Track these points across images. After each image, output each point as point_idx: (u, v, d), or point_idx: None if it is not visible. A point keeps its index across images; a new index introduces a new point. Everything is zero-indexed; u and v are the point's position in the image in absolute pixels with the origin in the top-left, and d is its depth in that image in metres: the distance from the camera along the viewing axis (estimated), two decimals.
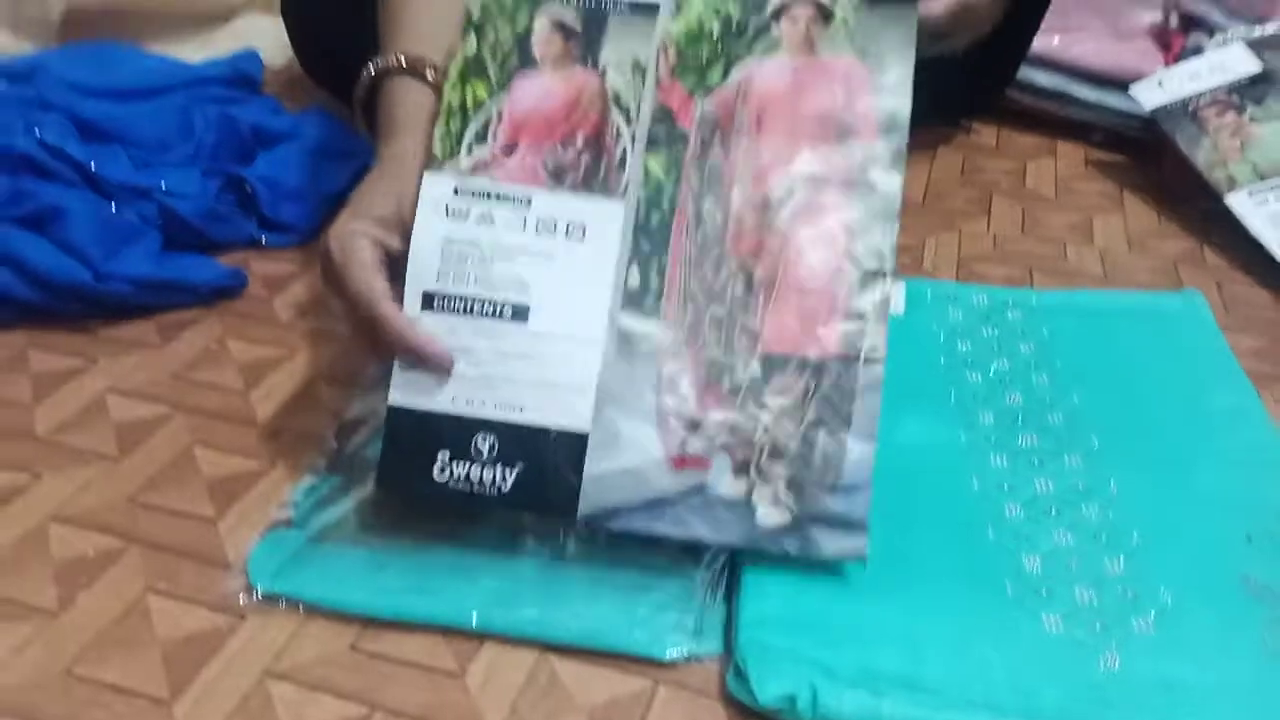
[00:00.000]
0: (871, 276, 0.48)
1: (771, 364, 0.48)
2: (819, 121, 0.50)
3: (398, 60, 0.56)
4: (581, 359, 0.48)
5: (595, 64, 0.52)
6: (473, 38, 0.52)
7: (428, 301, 0.49)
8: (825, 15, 0.52)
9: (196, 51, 1.04)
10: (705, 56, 0.52)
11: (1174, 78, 0.89)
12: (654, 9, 0.52)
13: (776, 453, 0.47)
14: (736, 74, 0.51)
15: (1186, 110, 0.87)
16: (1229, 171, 0.81)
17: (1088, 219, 0.85)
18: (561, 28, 0.52)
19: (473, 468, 0.48)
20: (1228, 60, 0.88)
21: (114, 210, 0.71)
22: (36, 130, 0.74)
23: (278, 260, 0.77)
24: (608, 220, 0.50)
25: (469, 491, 0.48)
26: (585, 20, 0.52)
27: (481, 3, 0.53)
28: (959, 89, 0.98)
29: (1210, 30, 0.94)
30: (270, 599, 0.47)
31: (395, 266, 0.50)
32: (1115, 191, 0.90)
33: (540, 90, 0.52)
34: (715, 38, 0.52)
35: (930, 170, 0.93)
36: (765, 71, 0.51)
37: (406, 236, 0.50)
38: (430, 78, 0.55)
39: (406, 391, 0.49)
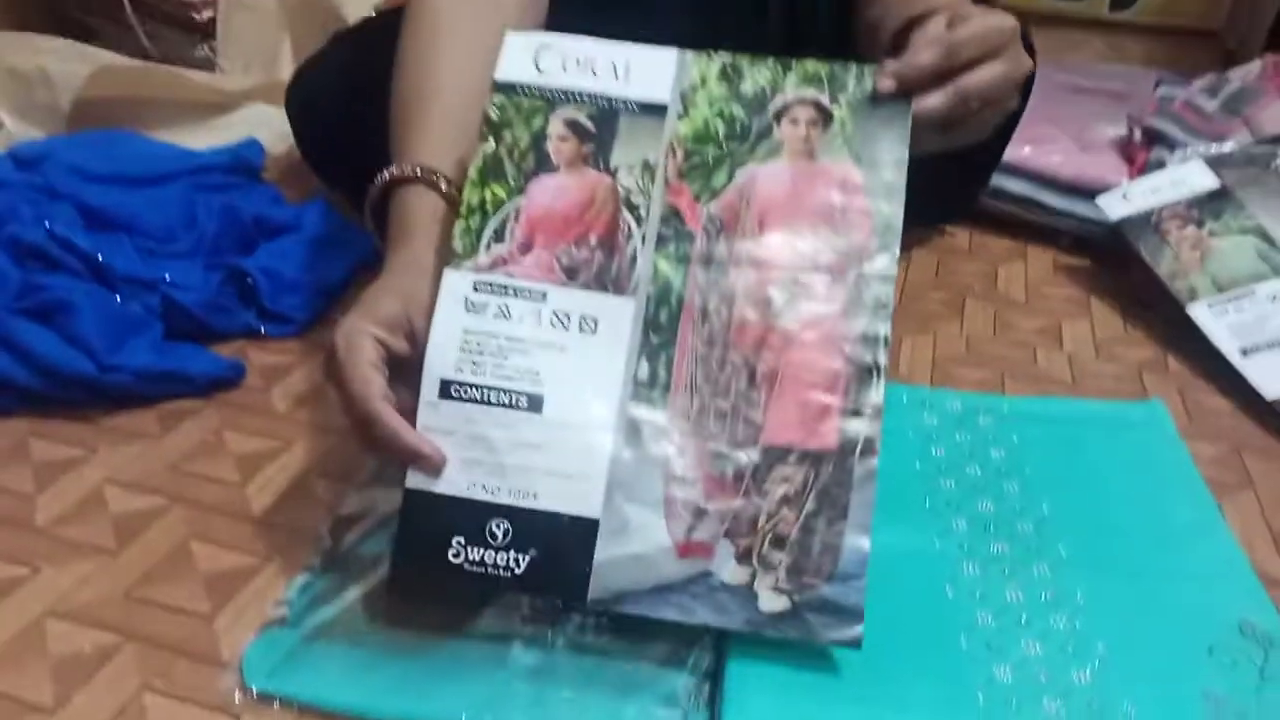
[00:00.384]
0: (866, 373, 0.51)
1: (773, 455, 0.51)
2: (817, 224, 0.54)
3: (412, 170, 0.59)
4: (593, 448, 0.51)
5: (607, 166, 0.55)
6: (491, 140, 0.55)
7: (445, 390, 0.51)
8: (825, 116, 0.55)
9: (201, 139, 1.08)
10: (711, 159, 0.55)
11: (1137, 191, 0.94)
12: (662, 110, 0.56)
13: (778, 541, 0.50)
14: (740, 177, 0.55)
15: (1149, 222, 0.91)
16: (1190, 282, 0.86)
17: (1056, 323, 0.89)
18: (575, 128, 0.56)
19: (487, 552, 0.49)
20: (1187, 176, 0.93)
21: (119, 301, 0.73)
22: (46, 222, 0.76)
23: (275, 351, 0.79)
24: (619, 315, 0.52)
25: (483, 574, 0.49)
26: (597, 122, 0.56)
27: (500, 105, 0.56)
28: (936, 195, 1.02)
29: (1171, 146, 1.00)
30: (265, 698, 0.48)
31: (398, 368, 0.52)
32: (1083, 297, 0.94)
33: (555, 190, 0.55)
34: (720, 139, 0.55)
35: (906, 272, 0.97)
36: (766, 175, 0.55)
37: (411, 339, 0.53)
38: (442, 188, 0.58)
39: (423, 476, 0.50)
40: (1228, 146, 0.96)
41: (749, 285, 0.53)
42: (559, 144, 0.55)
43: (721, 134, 0.56)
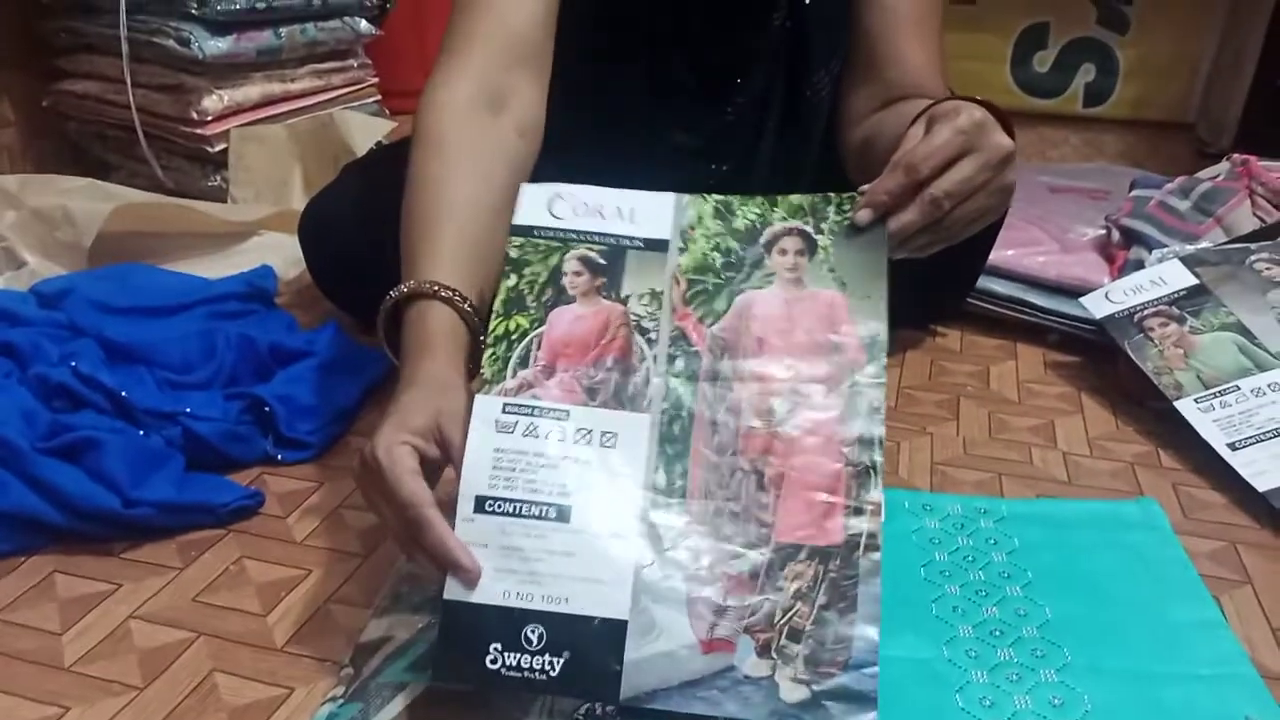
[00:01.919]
0: (865, 472, 0.55)
1: (785, 552, 0.54)
2: (811, 342, 0.59)
3: (429, 287, 0.63)
4: (618, 553, 0.54)
5: (619, 295, 0.60)
6: (513, 276, 0.61)
7: (480, 505, 0.55)
8: (811, 245, 0.61)
9: (215, 268, 1.12)
10: (711, 286, 0.61)
11: (1119, 290, 0.97)
12: (665, 245, 0.62)
13: (794, 634, 0.52)
14: (739, 302, 0.60)
15: (1132, 320, 0.94)
16: (1176, 379, 0.88)
17: (1049, 422, 0.91)
18: (588, 264, 0.61)
19: (523, 656, 0.52)
20: (1166, 275, 0.97)
21: (142, 435, 0.76)
22: (73, 361, 0.79)
23: (292, 476, 0.81)
24: (636, 430, 0.57)
25: (519, 678, 0.52)
26: (608, 257, 0.61)
27: (519, 245, 0.62)
28: (925, 296, 1.06)
29: (1149, 246, 1.04)
30: None
31: (430, 473, 0.56)
32: (1074, 394, 0.97)
33: (573, 319, 0.60)
34: (718, 269, 0.61)
35: (900, 375, 1.00)
36: (762, 300, 0.60)
37: (443, 446, 0.56)
38: (458, 303, 0.62)
39: (461, 587, 0.53)
40: (1202, 245, 1.00)
41: (752, 397, 0.58)
42: (574, 278, 0.61)
43: (719, 265, 0.61)
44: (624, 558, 0.54)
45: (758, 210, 0.62)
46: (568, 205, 0.63)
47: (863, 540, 0.53)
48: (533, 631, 0.52)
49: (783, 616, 0.53)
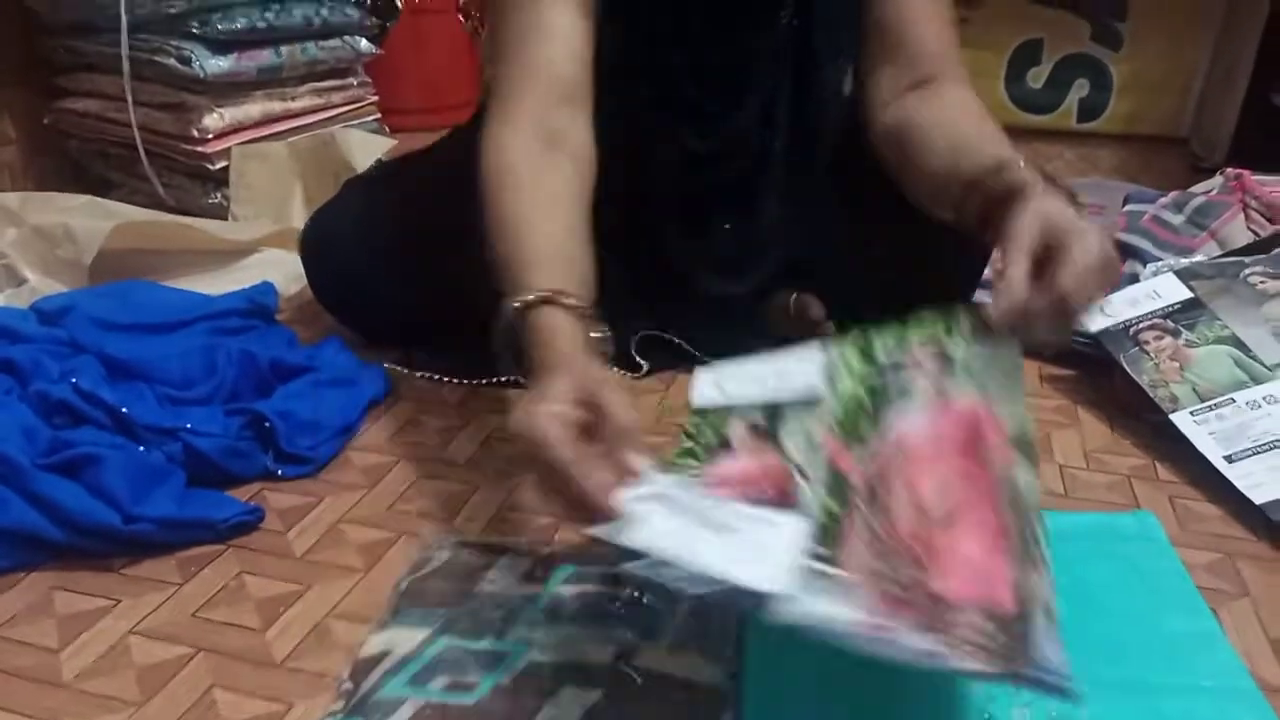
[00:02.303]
0: (1031, 564, 0.52)
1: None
2: (960, 450, 0.58)
3: (539, 296, 0.64)
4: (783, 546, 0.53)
5: (780, 447, 0.61)
6: (689, 442, 0.63)
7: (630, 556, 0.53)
8: (947, 360, 0.62)
9: (216, 284, 1.13)
10: (862, 426, 0.61)
11: (1114, 304, 0.98)
12: (816, 394, 0.63)
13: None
14: (886, 428, 0.60)
15: (1128, 333, 0.95)
16: (1171, 391, 0.89)
17: (1046, 435, 0.92)
18: (753, 427, 0.63)
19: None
20: (1161, 288, 0.97)
21: (143, 451, 0.76)
22: (73, 378, 0.80)
23: (292, 492, 0.81)
24: (795, 525, 0.55)
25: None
26: (768, 416, 0.63)
27: (695, 423, 0.65)
28: (923, 311, 1.07)
29: (1143, 260, 1.04)
30: None
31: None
32: (1070, 407, 0.97)
33: (737, 465, 0.61)
34: (868, 408, 0.62)
35: None
36: (909, 423, 0.60)
37: (594, 408, 0.56)
38: (567, 304, 0.63)
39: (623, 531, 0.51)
40: (1196, 259, 1.01)
41: (906, 505, 0.56)
42: (738, 438, 0.63)
43: (868, 404, 0.62)
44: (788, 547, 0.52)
45: (894, 335, 0.64)
46: (731, 381, 0.67)
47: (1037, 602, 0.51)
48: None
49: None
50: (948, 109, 0.83)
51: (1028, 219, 0.64)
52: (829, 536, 0.55)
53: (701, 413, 0.66)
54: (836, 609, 0.50)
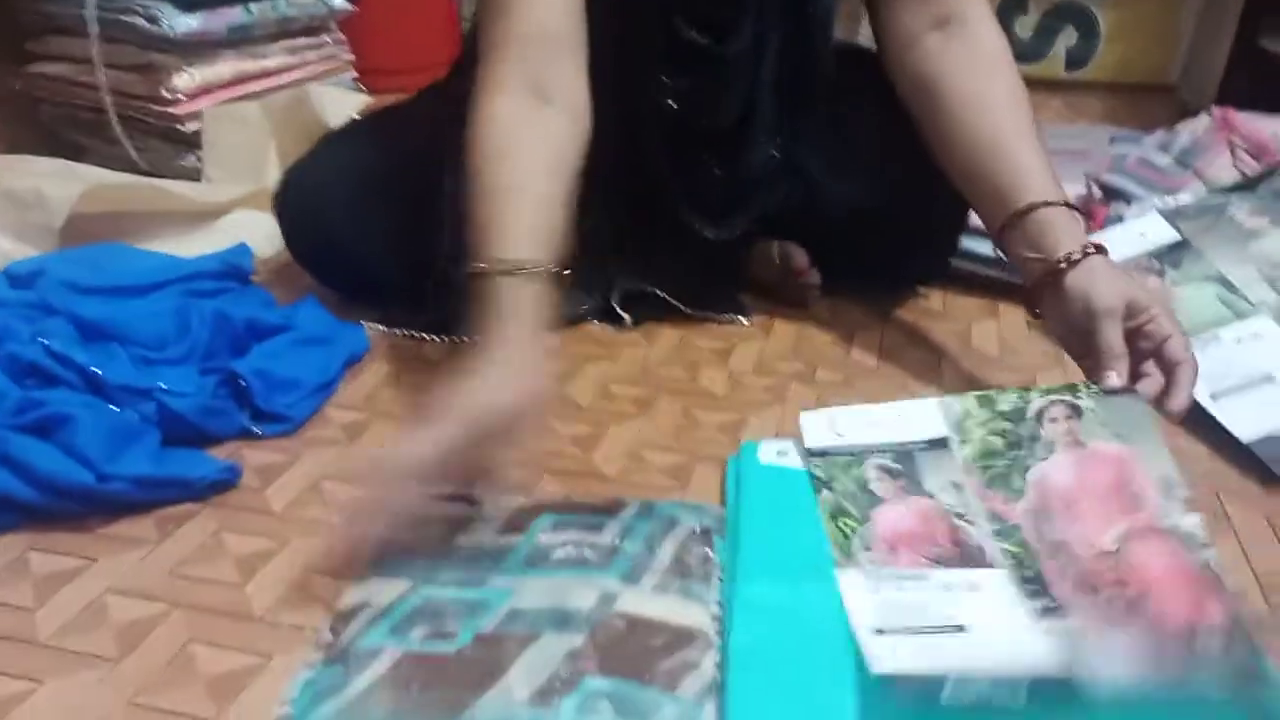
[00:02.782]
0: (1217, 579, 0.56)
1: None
2: (1113, 494, 0.62)
3: (507, 265, 0.68)
4: (1018, 650, 0.55)
5: (924, 491, 0.64)
6: (825, 490, 0.67)
7: (879, 631, 0.56)
8: (1076, 410, 0.66)
9: (191, 247, 1.10)
10: (1002, 467, 0.64)
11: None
12: (945, 441, 0.68)
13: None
14: (1032, 477, 0.64)
15: None
16: None
17: (1032, 377, 0.91)
18: (887, 471, 0.66)
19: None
20: (1146, 228, 0.96)
21: (116, 411, 0.75)
22: (43, 339, 0.78)
23: (270, 450, 0.80)
24: (996, 579, 0.59)
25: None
26: (900, 461, 0.67)
27: (818, 465, 0.68)
28: (909, 260, 1.06)
29: (1128, 200, 1.03)
30: None
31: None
32: (1055, 351, 0.96)
33: (896, 515, 0.64)
34: (1002, 450, 0.65)
35: (882, 336, 0.99)
36: (1053, 468, 0.64)
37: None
38: (533, 273, 0.68)
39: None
40: (1182, 199, 1.00)
41: (1083, 547, 0.59)
42: (879, 483, 0.66)
43: (1001, 446, 0.66)
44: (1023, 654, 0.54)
45: (1017, 393, 0.69)
46: (847, 424, 0.71)
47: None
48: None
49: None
50: (974, 66, 0.83)
51: (1116, 286, 0.71)
52: (1034, 583, 0.58)
53: (821, 455, 0.69)
54: (1116, 657, 0.53)
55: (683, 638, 0.57)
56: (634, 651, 0.56)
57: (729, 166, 0.97)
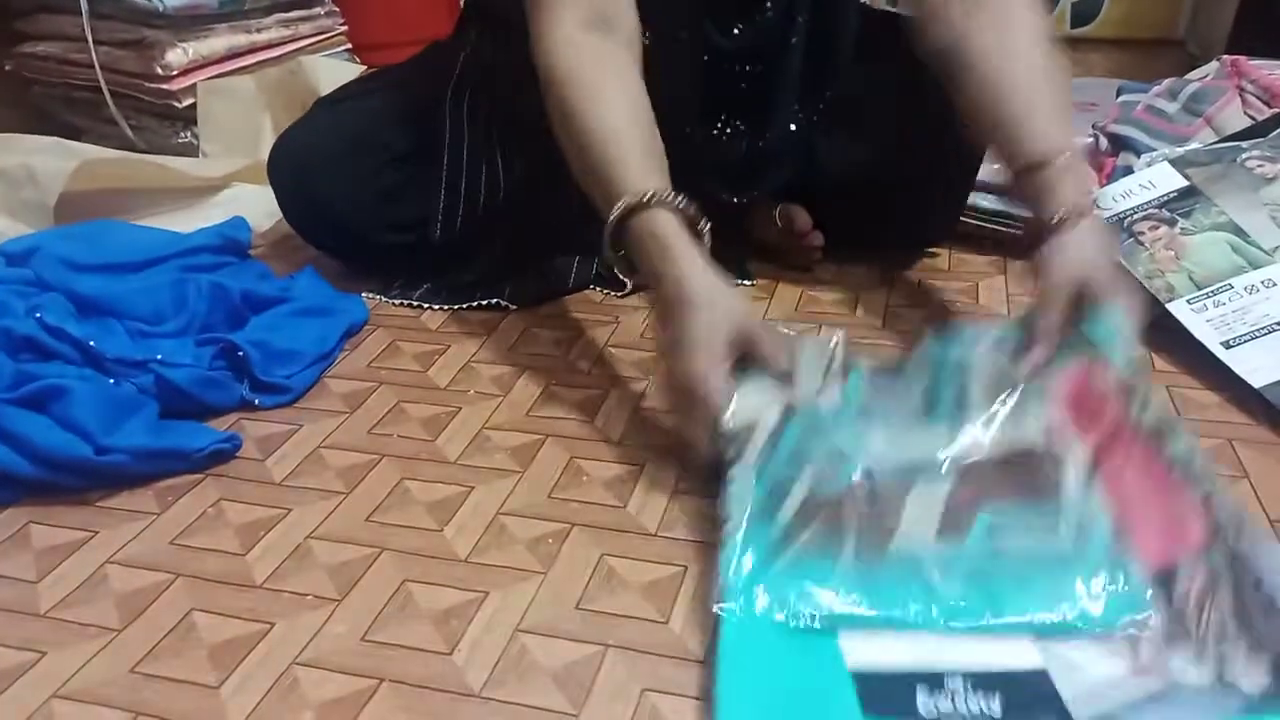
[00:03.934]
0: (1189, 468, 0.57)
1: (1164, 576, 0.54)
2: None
3: (643, 197, 0.68)
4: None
5: None
6: None
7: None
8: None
9: (187, 222, 1.09)
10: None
11: (1108, 196, 0.95)
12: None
13: (1220, 635, 0.51)
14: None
15: (1123, 225, 0.92)
16: (1167, 281, 0.86)
17: None
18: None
19: (955, 697, 0.50)
20: (1155, 178, 0.94)
21: (113, 384, 0.74)
22: (38, 313, 0.78)
23: (269, 420, 0.80)
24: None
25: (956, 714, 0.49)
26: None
27: None
28: (914, 224, 1.04)
29: (1137, 151, 1.01)
30: None
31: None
32: None
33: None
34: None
35: (889, 295, 0.98)
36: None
37: (751, 346, 0.66)
38: (671, 202, 0.68)
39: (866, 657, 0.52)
40: (1192, 146, 0.98)
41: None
42: None
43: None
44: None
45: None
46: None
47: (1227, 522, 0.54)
48: (952, 681, 0.50)
49: (1200, 627, 0.51)
50: (1004, 44, 0.79)
51: (1069, 268, 0.69)
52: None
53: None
54: (1099, 666, 0.51)
55: (1033, 455, 0.60)
56: (1004, 477, 0.59)
57: (754, 130, 0.96)
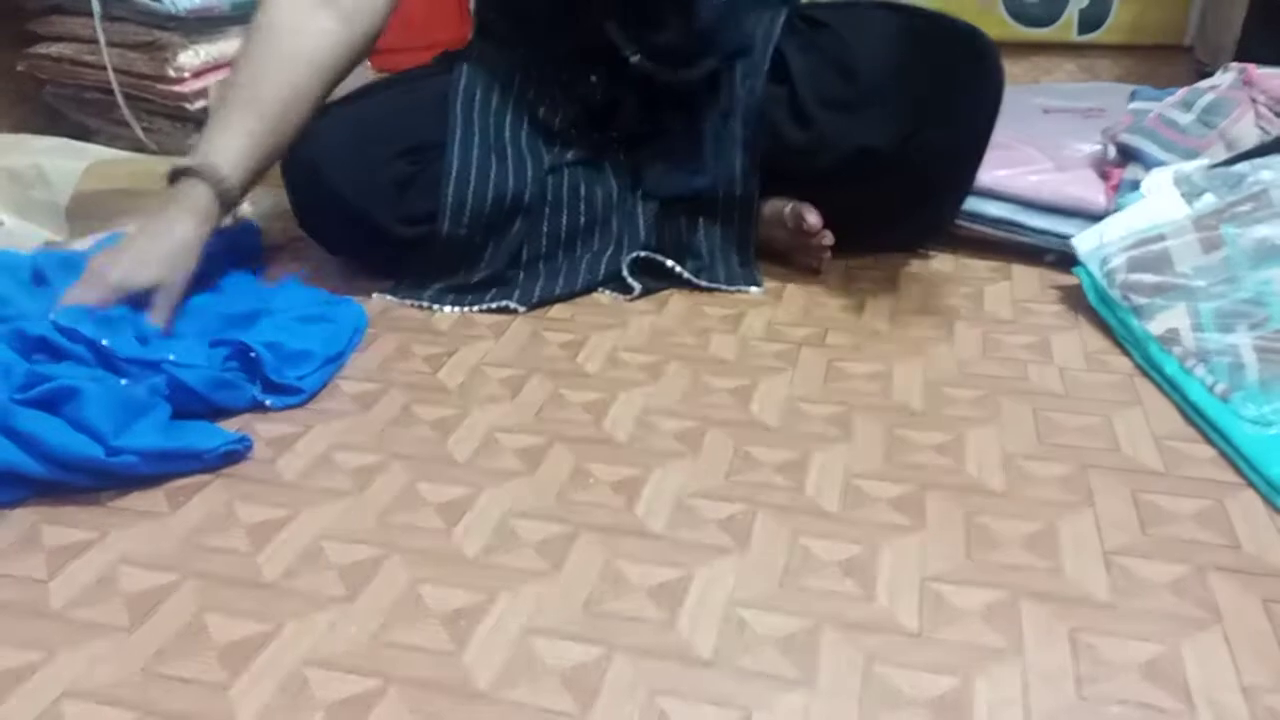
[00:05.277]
0: None
1: None
2: None
3: (199, 164, 0.86)
4: None
5: None
6: None
7: None
8: None
9: None
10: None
11: (1111, 227, 0.94)
12: None
13: None
14: None
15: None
16: None
17: (1045, 339, 0.90)
18: None
19: None
20: (1160, 208, 0.93)
21: (124, 384, 0.75)
22: (51, 314, 0.78)
23: (280, 421, 0.80)
24: None
25: None
26: None
27: None
28: (910, 219, 1.05)
29: (1146, 164, 1.01)
30: None
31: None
32: (1069, 311, 0.95)
33: None
34: None
35: (894, 300, 0.98)
36: None
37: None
38: (218, 186, 0.86)
39: None
40: (1204, 162, 0.97)
41: None
42: None
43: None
44: None
45: None
46: None
47: None
48: None
49: None
50: None
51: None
52: None
53: None
54: None
55: None
56: None
57: (681, 20, 0.97)
